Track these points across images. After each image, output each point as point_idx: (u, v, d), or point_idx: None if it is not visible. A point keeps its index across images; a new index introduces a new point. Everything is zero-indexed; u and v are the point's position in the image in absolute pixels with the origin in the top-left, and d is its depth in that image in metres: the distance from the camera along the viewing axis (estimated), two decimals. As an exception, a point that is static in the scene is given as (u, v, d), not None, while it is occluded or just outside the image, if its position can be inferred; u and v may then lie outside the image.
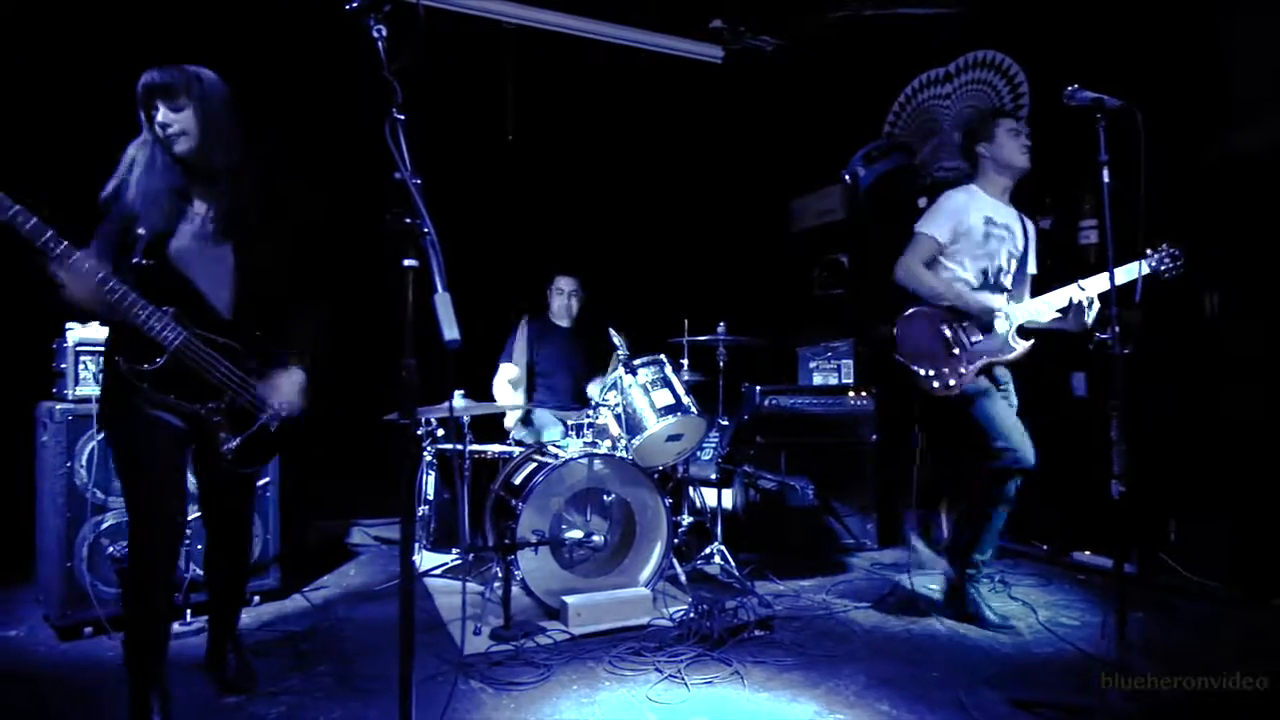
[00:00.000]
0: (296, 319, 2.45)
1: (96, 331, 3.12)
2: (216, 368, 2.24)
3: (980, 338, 3.15)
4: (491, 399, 4.35)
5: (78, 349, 3.07)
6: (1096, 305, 3.04)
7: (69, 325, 3.12)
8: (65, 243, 2.00)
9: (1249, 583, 3.48)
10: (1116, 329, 2.28)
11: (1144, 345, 3.82)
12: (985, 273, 3.24)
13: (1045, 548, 4.27)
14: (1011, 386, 3.33)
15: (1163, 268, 3.00)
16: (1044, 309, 3.15)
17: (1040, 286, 3.42)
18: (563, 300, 4.55)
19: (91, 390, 3.03)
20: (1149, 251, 3.01)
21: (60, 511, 2.97)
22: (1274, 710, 2.28)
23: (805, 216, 6.15)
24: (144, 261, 2.14)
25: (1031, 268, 3.36)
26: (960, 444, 3.28)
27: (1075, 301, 3.08)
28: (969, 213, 3.21)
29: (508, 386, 4.37)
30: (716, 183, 6.06)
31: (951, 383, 3.12)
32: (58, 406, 3.01)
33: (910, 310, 3.23)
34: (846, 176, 5.44)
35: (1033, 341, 3.18)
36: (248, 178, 2.30)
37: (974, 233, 3.20)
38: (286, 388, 2.37)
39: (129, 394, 2.17)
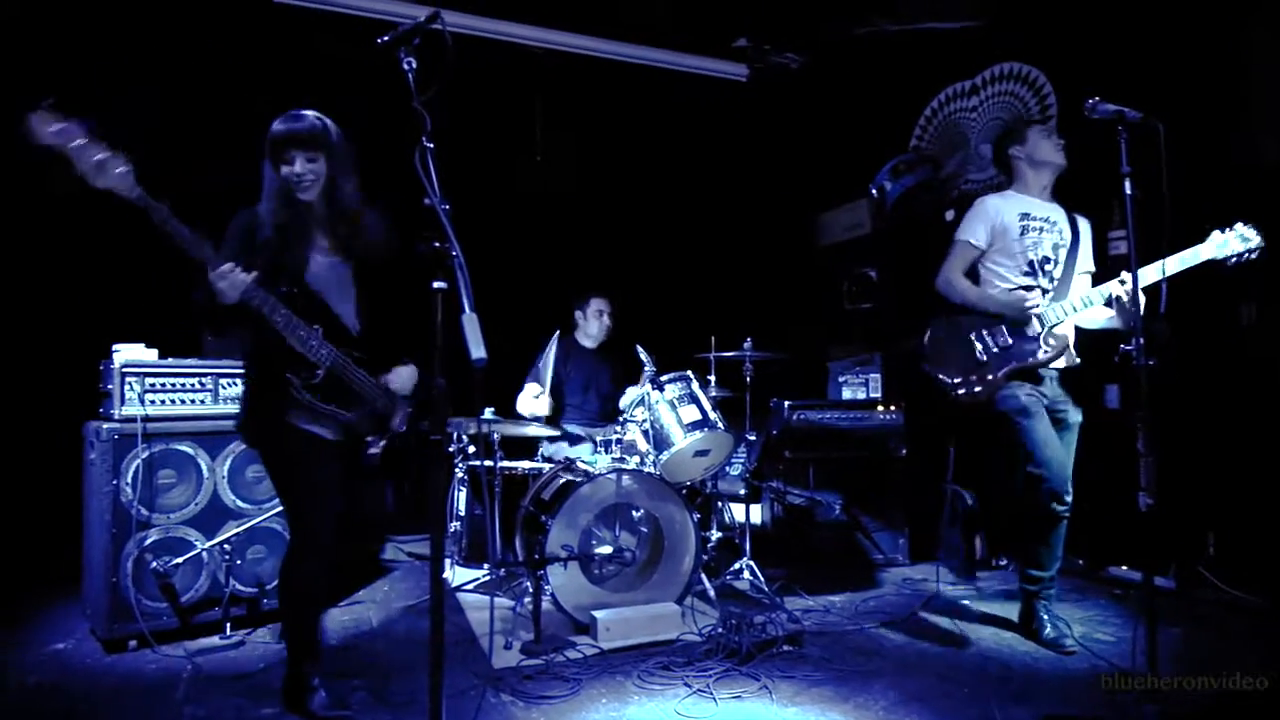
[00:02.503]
0: (397, 332, 2.68)
1: (142, 354, 3.25)
2: (357, 378, 2.49)
3: (1010, 341, 3.10)
4: (518, 417, 4.39)
5: (124, 370, 3.17)
6: (1142, 299, 2.77)
7: (115, 347, 3.23)
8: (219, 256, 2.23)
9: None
10: (1141, 340, 2.26)
11: (1181, 356, 3.78)
12: (1032, 264, 3.18)
13: (1081, 562, 4.21)
14: (1071, 405, 3.24)
15: (1232, 254, 2.83)
16: (1083, 305, 3.04)
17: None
18: (600, 322, 4.59)
19: (136, 410, 3.15)
20: (1219, 232, 2.85)
21: (106, 528, 3.06)
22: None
23: (833, 231, 6.14)
24: (290, 289, 2.38)
25: (1088, 264, 3.28)
26: (997, 460, 3.25)
27: (1116, 296, 2.94)
28: (1002, 213, 3.20)
29: (532, 404, 4.40)
30: (743, 199, 6.10)
31: (977, 389, 3.07)
32: (104, 426, 3.11)
33: (937, 318, 3.22)
34: (874, 190, 5.45)
35: (1065, 347, 3.10)
36: (360, 210, 2.54)
37: (1010, 230, 3.18)
38: (407, 376, 2.64)
39: (288, 410, 2.41)
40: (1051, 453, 3.07)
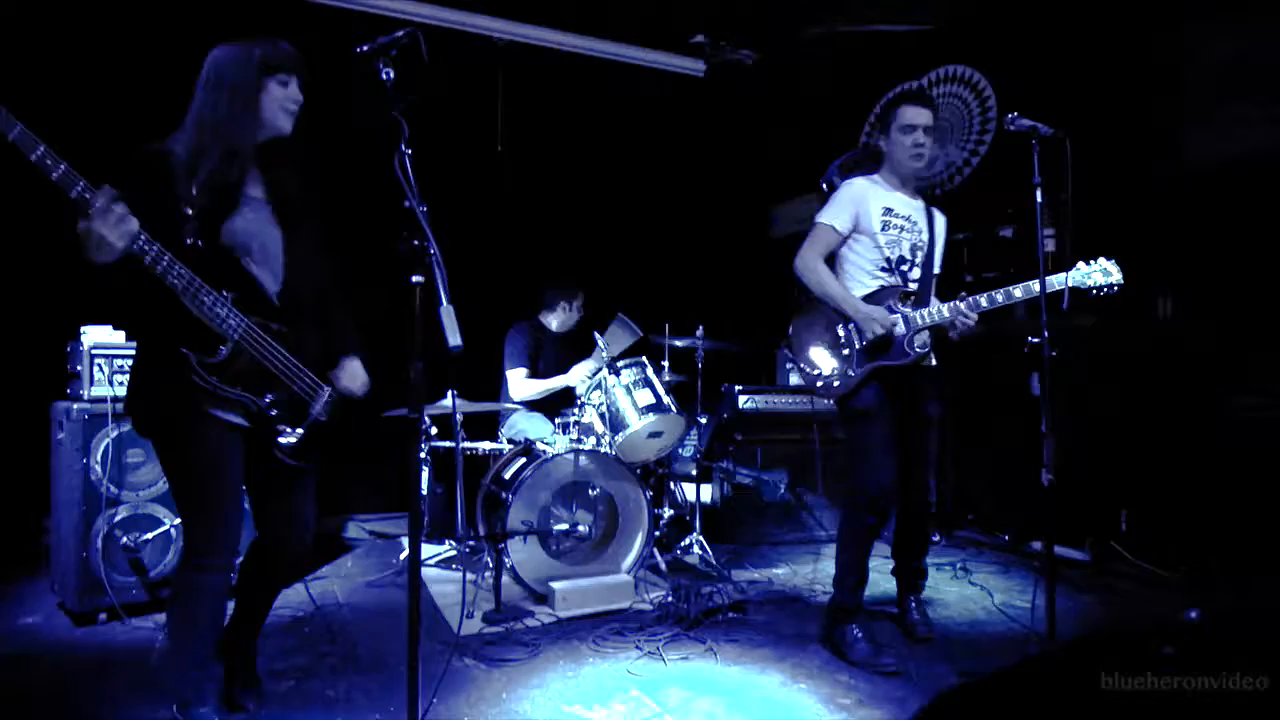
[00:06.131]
0: (334, 309, 2.36)
1: (111, 335, 3.32)
2: (275, 356, 2.10)
3: (872, 337, 2.95)
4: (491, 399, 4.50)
5: (92, 351, 3.25)
6: (974, 319, 2.91)
7: (83, 328, 3.30)
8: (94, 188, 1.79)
9: (1191, 568, 3.75)
10: (1046, 334, 2.51)
11: (1100, 346, 4.09)
12: (889, 260, 3.03)
13: (1006, 538, 4.52)
14: (935, 400, 3.11)
15: (1095, 286, 2.80)
16: (937, 316, 2.95)
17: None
18: (571, 311, 4.69)
19: (105, 390, 3.23)
20: (1081, 265, 2.83)
21: (76, 505, 3.15)
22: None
23: (786, 223, 6.37)
24: (197, 243, 1.96)
25: (937, 267, 3.14)
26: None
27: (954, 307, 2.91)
28: (868, 200, 3.03)
29: (529, 385, 4.48)
30: (699, 191, 6.28)
31: (836, 384, 2.97)
32: (74, 406, 3.18)
33: (802, 309, 3.11)
34: (825, 185, 5.65)
35: (929, 349, 3.03)
36: (297, 166, 2.26)
37: (871, 221, 3.01)
38: (359, 372, 2.34)
39: (191, 392, 2.00)
40: (880, 462, 2.92)
